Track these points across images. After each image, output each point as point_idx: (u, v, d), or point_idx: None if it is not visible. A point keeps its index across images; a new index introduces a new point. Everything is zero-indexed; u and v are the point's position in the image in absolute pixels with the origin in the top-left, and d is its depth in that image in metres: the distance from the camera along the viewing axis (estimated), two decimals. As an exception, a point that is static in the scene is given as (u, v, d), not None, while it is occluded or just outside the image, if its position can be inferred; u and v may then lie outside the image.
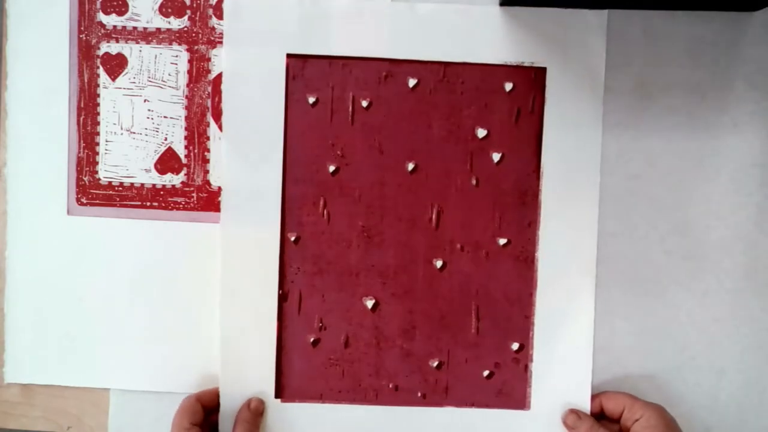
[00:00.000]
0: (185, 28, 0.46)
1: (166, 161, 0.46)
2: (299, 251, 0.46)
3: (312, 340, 0.47)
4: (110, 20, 0.45)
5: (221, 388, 0.46)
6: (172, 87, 0.46)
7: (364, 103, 0.46)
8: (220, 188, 0.46)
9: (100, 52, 0.46)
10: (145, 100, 0.46)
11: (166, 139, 0.46)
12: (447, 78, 0.46)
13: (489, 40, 0.45)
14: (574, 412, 0.45)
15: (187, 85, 0.46)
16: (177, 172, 0.46)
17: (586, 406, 0.46)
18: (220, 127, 0.46)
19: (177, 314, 0.46)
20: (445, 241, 0.46)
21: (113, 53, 0.46)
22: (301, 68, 0.45)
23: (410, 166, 0.46)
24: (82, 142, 0.46)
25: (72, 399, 0.47)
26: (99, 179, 0.46)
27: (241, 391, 0.46)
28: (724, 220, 0.46)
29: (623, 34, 0.45)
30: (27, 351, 0.47)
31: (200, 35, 0.46)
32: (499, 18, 0.45)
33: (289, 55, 0.45)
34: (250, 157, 0.45)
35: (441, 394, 0.47)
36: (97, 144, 0.46)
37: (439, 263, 0.46)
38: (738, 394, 0.47)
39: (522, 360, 0.47)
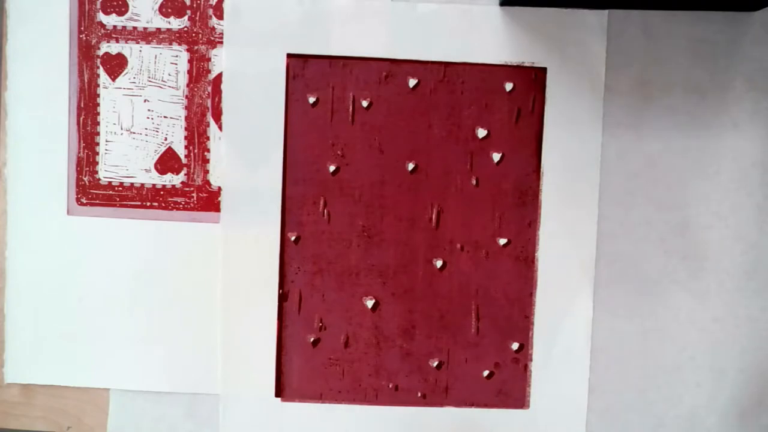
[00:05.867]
0: (185, 28, 0.46)
1: (166, 161, 0.46)
2: (299, 251, 0.46)
3: (312, 339, 0.47)
4: (110, 20, 0.45)
5: (221, 388, 0.46)
6: (172, 87, 0.46)
7: (365, 103, 0.46)
8: (220, 188, 0.46)
9: (100, 52, 0.46)
10: (145, 100, 0.46)
11: (166, 139, 0.46)
12: (447, 78, 0.46)
13: (489, 40, 0.45)
14: None
15: (187, 85, 0.46)
16: (177, 172, 0.46)
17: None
18: (220, 127, 0.46)
19: (177, 314, 0.46)
20: (445, 240, 0.46)
21: (113, 53, 0.46)
22: (301, 68, 0.45)
23: (410, 166, 0.46)
24: (82, 142, 0.46)
25: (72, 399, 0.47)
26: (99, 179, 0.46)
27: (241, 391, 0.46)
28: (724, 220, 0.46)
29: (623, 34, 0.45)
30: (27, 351, 0.47)
31: (200, 35, 0.46)
32: (499, 18, 0.45)
33: (289, 55, 0.45)
34: (250, 157, 0.45)
35: (441, 394, 0.47)
36: (97, 144, 0.46)
37: (439, 263, 0.47)
38: (738, 394, 0.47)
39: (522, 360, 0.47)
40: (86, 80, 0.46)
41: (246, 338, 0.46)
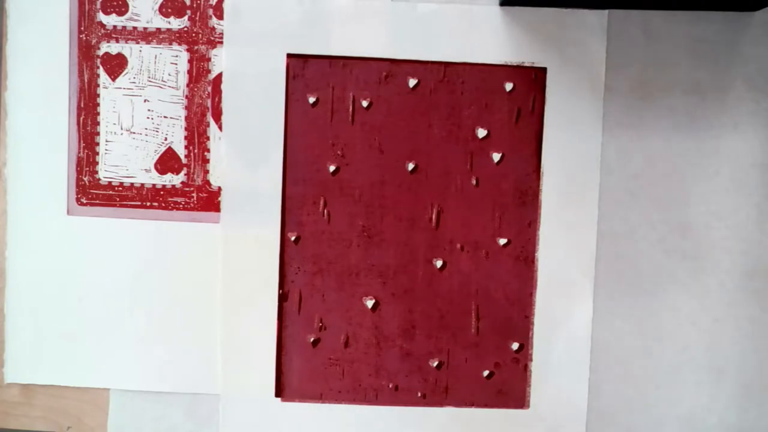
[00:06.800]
0: (185, 28, 0.46)
1: (166, 161, 0.46)
2: (299, 251, 0.46)
3: (312, 340, 0.47)
4: (110, 20, 0.45)
5: (221, 388, 0.46)
6: (172, 87, 0.46)
7: (365, 103, 0.46)
8: (220, 188, 0.46)
9: (100, 52, 0.46)
10: (145, 100, 0.46)
11: (166, 139, 0.46)
12: (447, 78, 0.46)
13: (489, 40, 0.45)
14: None
15: (187, 85, 0.46)
16: (177, 172, 0.46)
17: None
18: (220, 127, 0.46)
19: (177, 314, 0.46)
20: (445, 241, 0.46)
21: (113, 53, 0.46)
22: (301, 68, 0.45)
23: (410, 166, 0.46)
24: (82, 142, 0.46)
25: (72, 399, 0.47)
26: (99, 179, 0.46)
27: (241, 391, 0.46)
28: (724, 220, 0.46)
29: (623, 34, 0.45)
30: (27, 351, 0.47)
31: (200, 35, 0.46)
32: (499, 18, 0.45)
33: (289, 55, 0.45)
34: (250, 157, 0.45)
35: (441, 394, 0.47)
36: (97, 144, 0.46)
37: (439, 263, 0.47)
38: (738, 394, 0.47)
39: (522, 360, 0.47)
40: (86, 80, 0.46)
41: (246, 338, 0.46)
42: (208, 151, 0.46)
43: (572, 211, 0.46)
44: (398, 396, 0.47)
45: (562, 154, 0.46)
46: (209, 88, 0.46)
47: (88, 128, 0.46)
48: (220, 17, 0.45)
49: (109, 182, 0.46)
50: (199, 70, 0.46)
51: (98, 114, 0.46)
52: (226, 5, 0.45)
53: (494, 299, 0.47)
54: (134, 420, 0.47)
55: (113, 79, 0.46)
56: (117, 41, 0.46)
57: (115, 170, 0.46)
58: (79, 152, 0.46)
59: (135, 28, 0.46)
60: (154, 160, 0.46)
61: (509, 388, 0.47)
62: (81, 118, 0.46)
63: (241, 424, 0.46)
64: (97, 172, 0.46)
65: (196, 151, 0.46)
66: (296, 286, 0.46)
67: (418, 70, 0.46)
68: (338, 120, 0.46)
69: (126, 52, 0.46)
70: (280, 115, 0.45)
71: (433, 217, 0.46)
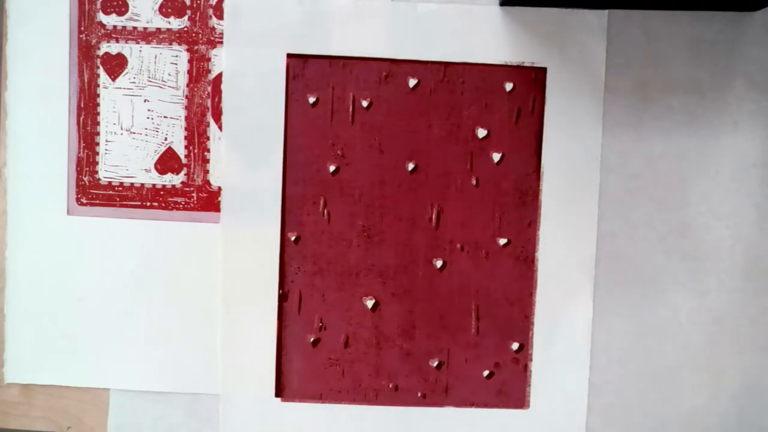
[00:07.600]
0: (185, 28, 0.46)
1: (166, 161, 0.46)
2: (299, 251, 0.46)
3: (312, 340, 0.47)
4: (110, 20, 0.45)
5: (221, 388, 0.46)
6: (172, 87, 0.46)
7: (365, 103, 0.46)
8: (220, 188, 0.46)
9: (100, 52, 0.46)
10: (145, 100, 0.46)
11: (166, 139, 0.46)
12: (447, 78, 0.46)
13: (489, 40, 0.45)
14: None
15: (187, 85, 0.46)
16: (177, 172, 0.46)
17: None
18: (220, 127, 0.46)
19: (177, 314, 0.46)
20: (445, 241, 0.46)
21: (113, 53, 0.46)
22: (301, 68, 0.45)
23: (410, 166, 0.46)
24: (82, 142, 0.46)
25: (72, 399, 0.47)
26: (99, 179, 0.46)
27: (241, 391, 0.46)
28: (724, 220, 0.46)
29: (623, 34, 0.45)
30: (27, 351, 0.47)
31: (200, 35, 0.46)
32: (499, 18, 0.45)
33: (289, 55, 0.45)
34: (250, 157, 0.45)
35: (441, 394, 0.47)
36: (97, 144, 0.46)
37: (439, 263, 0.47)
38: (738, 394, 0.47)
39: (522, 360, 0.47)
40: (86, 80, 0.46)
41: (246, 338, 0.46)
42: (208, 151, 0.46)
43: (572, 211, 0.46)
44: (398, 396, 0.47)
45: (562, 154, 0.46)
46: (209, 88, 0.46)
47: (88, 128, 0.46)
48: (220, 17, 0.45)
49: (109, 182, 0.46)
50: (199, 70, 0.46)
51: (98, 114, 0.46)
52: (226, 5, 0.45)
53: (494, 299, 0.47)
54: (134, 420, 0.47)
55: (113, 79, 0.46)
56: (117, 41, 0.46)
57: (115, 170, 0.46)
58: (79, 152, 0.46)
59: (135, 28, 0.46)
60: (154, 160, 0.46)
61: (509, 388, 0.47)
62: (81, 118, 0.46)
63: (241, 424, 0.46)
64: (97, 172, 0.46)
65: (196, 151, 0.46)
66: (296, 286, 0.46)
67: (418, 70, 0.46)
68: (338, 120, 0.46)
69: (126, 52, 0.46)
70: (280, 115, 0.45)
71: (433, 217, 0.46)
